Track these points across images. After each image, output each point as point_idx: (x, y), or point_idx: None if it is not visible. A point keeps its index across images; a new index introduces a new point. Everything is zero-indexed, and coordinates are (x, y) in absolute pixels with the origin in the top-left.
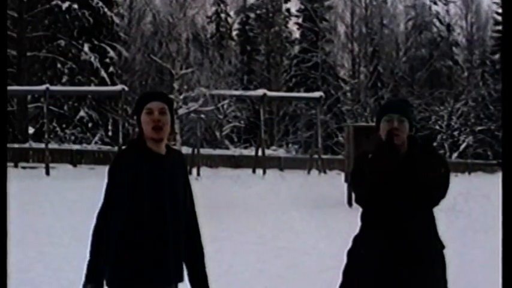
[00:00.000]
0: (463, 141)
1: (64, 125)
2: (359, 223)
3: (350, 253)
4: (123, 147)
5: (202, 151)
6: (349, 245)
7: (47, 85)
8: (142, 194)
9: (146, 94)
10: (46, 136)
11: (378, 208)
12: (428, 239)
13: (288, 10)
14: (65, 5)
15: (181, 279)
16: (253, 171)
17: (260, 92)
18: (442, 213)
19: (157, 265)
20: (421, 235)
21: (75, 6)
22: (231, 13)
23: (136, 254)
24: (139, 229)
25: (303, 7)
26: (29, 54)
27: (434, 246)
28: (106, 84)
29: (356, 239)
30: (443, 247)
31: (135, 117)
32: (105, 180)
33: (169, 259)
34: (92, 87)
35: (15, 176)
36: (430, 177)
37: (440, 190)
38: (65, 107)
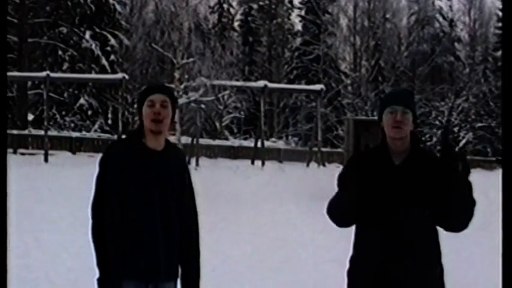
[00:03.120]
0: (463, 137)
1: (64, 112)
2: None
3: (350, 273)
4: (123, 136)
5: (202, 141)
6: (347, 266)
7: (48, 72)
8: (128, 188)
9: (149, 86)
10: (45, 123)
11: (368, 224)
12: (427, 262)
13: (290, 2)
14: None
15: (175, 277)
16: (252, 163)
17: (261, 83)
18: None
19: (145, 262)
20: (419, 261)
21: None
22: (234, 4)
23: (125, 250)
24: (127, 223)
25: None
26: (30, 40)
27: (433, 270)
28: (106, 72)
29: (352, 261)
30: (442, 271)
31: (135, 106)
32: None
33: (159, 257)
34: (93, 75)
35: (14, 162)
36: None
37: (459, 217)
38: (65, 94)
